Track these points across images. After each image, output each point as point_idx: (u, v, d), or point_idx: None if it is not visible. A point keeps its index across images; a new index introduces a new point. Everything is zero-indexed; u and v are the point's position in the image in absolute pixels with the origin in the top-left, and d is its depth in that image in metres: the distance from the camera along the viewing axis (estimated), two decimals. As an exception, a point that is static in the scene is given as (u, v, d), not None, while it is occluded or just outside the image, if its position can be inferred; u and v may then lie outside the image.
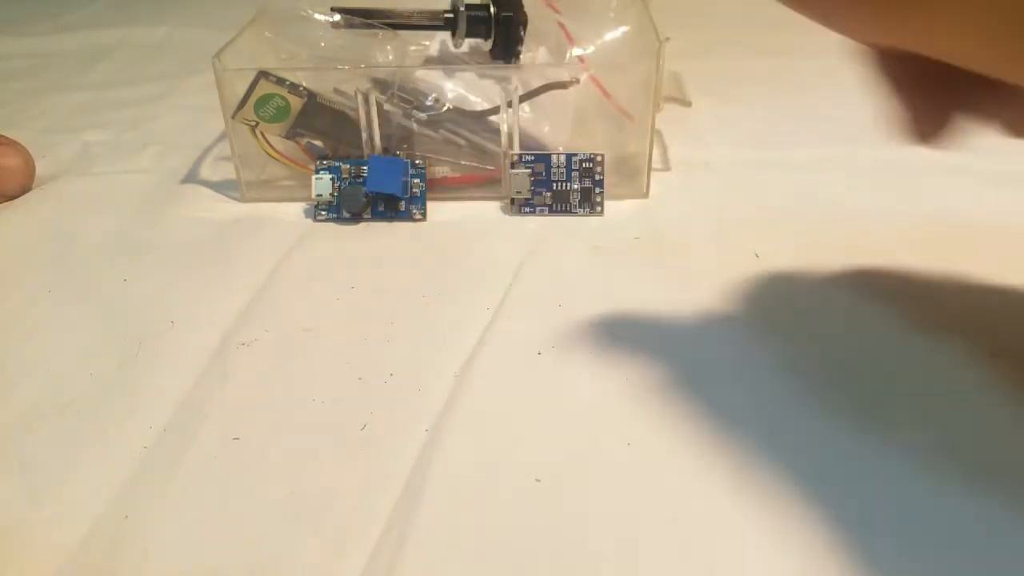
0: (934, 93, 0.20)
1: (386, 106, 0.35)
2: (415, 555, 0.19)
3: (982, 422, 0.23)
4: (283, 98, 0.34)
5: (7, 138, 0.36)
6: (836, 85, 0.48)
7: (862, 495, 0.21)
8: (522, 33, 0.37)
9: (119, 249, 0.32)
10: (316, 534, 0.20)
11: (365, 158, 0.35)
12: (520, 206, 0.35)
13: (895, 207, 0.34)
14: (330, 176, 0.34)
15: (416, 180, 0.34)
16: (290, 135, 0.35)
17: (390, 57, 0.38)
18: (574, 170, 0.34)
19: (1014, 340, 0.25)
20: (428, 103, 0.35)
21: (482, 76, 0.36)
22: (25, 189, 0.36)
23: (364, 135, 0.35)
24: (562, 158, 0.34)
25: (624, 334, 0.27)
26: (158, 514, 0.21)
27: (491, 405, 0.24)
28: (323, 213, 0.35)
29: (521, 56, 0.37)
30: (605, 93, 0.35)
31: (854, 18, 0.19)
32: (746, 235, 0.31)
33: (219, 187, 0.37)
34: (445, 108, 0.35)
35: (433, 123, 0.36)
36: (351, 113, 0.35)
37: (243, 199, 0.36)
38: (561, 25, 0.38)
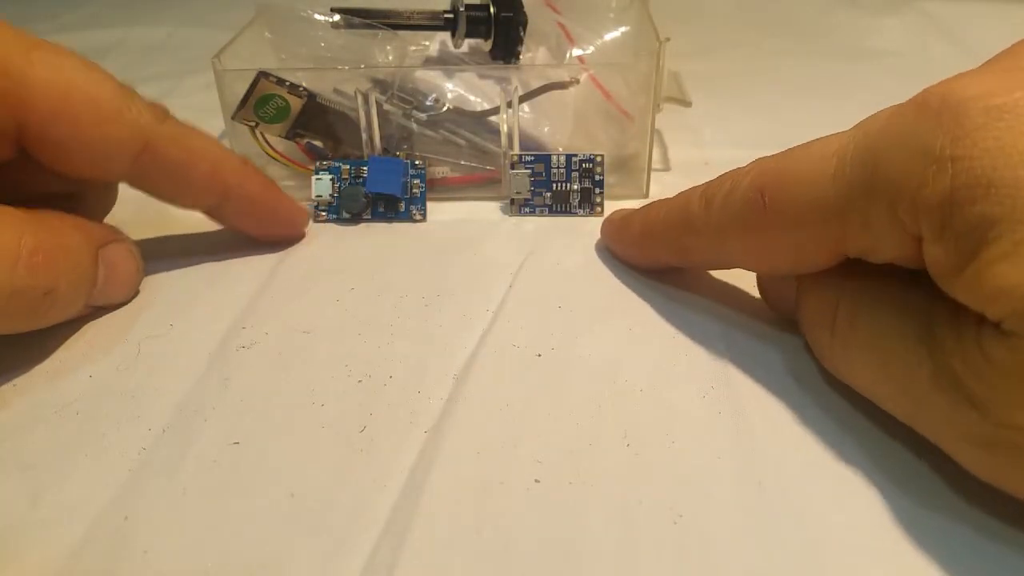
0: None
1: (386, 106, 0.35)
2: (415, 555, 0.19)
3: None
4: (283, 98, 0.34)
5: (118, 232, 0.29)
6: (835, 85, 0.48)
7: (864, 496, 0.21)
8: (522, 33, 0.37)
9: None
10: (316, 534, 0.20)
11: (365, 158, 0.35)
12: (520, 206, 0.35)
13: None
14: (330, 177, 0.34)
15: (416, 180, 0.35)
16: (290, 135, 0.35)
17: (390, 57, 0.38)
18: (574, 170, 0.34)
19: None
20: (428, 103, 0.35)
21: (482, 76, 0.36)
22: (130, 297, 0.29)
23: (364, 135, 0.35)
24: (562, 158, 0.34)
25: (624, 335, 0.27)
26: (158, 514, 0.21)
27: (491, 406, 0.24)
28: (323, 214, 0.35)
29: (521, 56, 0.37)
30: (605, 93, 0.35)
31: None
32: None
33: (219, 187, 0.37)
34: (445, 108, 0.35)
35: (433, 123, 0.36)
36: (351, 113, 0.35)
37: (243, 199, 0.36)
38: (561, 25, 0.38)
